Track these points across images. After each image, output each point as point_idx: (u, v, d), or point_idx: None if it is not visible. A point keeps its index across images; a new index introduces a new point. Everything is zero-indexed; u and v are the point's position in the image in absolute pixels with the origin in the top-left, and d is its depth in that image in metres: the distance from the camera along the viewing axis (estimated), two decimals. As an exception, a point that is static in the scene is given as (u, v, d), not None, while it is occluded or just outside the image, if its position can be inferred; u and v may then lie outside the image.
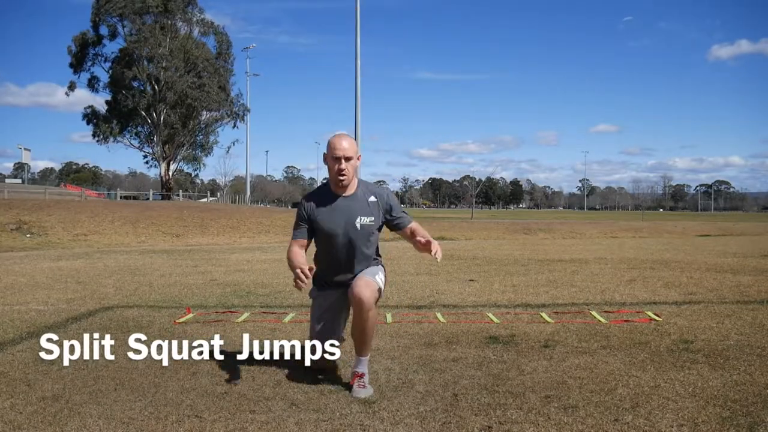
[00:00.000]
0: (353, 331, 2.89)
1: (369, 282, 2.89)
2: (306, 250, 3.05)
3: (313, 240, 3.07)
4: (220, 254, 11.35)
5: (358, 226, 2.94)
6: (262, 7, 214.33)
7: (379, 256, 3.13)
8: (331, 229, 2.96)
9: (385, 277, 3.09)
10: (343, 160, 2.89)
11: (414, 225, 3.01)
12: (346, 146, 2.91)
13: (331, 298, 3.04)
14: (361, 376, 2.80)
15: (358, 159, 2.97)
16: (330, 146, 2.93)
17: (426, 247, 2.82)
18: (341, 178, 2.92)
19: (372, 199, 2.99)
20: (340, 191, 2.98)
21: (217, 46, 42.82)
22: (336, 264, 3.02)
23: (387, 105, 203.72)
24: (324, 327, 3.01)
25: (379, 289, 2.96)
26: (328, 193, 3.01)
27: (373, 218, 2.97)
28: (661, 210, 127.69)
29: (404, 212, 3.06)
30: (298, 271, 2.77)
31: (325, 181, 3.09)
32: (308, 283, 2.79)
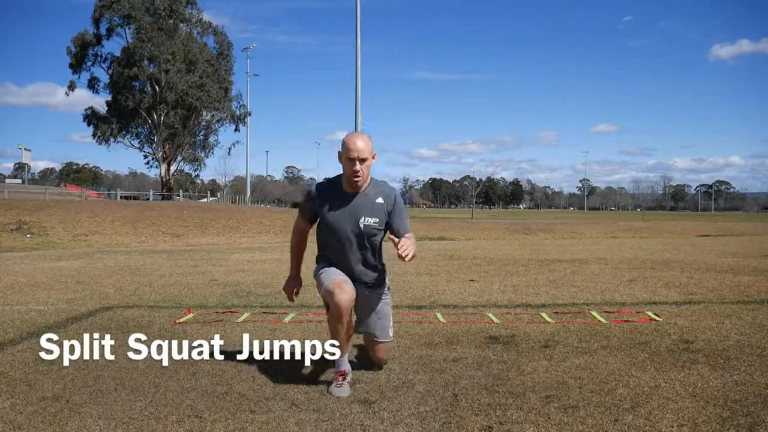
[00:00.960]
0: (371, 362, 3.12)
1: (387, 348, 3.11)
2: (308, 233, 3.16)
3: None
4: (221, 254, 11.35)
5: (362, 225, 2.93)
6: (262, 6, 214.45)
7: (383, 264, 3.10)
8: (334, 225, 2.95)
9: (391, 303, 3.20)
10: (357, 162, 2.86)
11: (407, 236, 2.91)
12: (361, 147, 2.86)
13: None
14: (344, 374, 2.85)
15: (373, 158, 2.94)
16: (345, 146, 2.89)
17: (397, 245, 2.78)
18: (356, 179, 2.90)
19: (379, 200, 2.96)
20: (350, 190, 2.96)
21: (218, 47, 42.86)
22: (336, 257, 3.02)
23: (387, 105, 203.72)
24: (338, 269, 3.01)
25: (391, 339, 3.16)
26: (339, 188, 2.98)
27: (377, 220, 2.94)
28: (669, 209, 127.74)
29: (406, 223, 3.00)
30: (287, 293, 3.25)
31: (336, 177, 3.05)
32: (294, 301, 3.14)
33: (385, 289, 3.11)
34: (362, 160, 2.87)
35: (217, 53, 42.57)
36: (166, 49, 38.43)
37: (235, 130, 44.93)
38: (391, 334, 3.11)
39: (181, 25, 40.35)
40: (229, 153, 57.75)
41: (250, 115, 45.59)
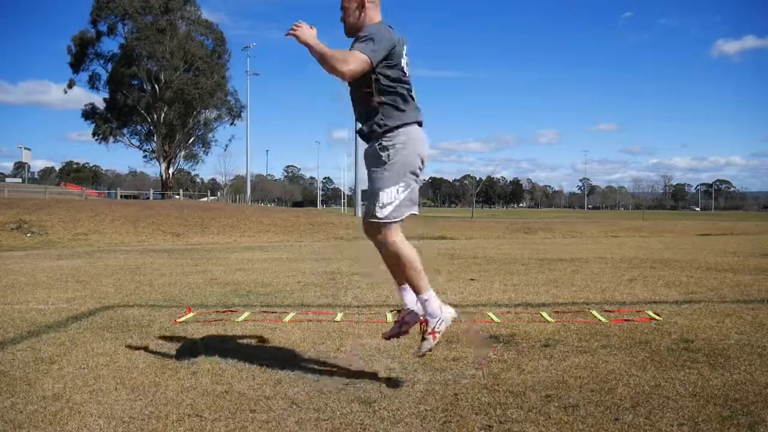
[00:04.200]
0: None
1: (366, 218, 2.78)
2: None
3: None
4: (221, 253, 11.35)
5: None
6: (256, 1, 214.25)
7: (390, 131, 2.75)
8: None
9: (404, 177, 2.75)
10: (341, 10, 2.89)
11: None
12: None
13: None
14: (425, 323, 2.77)
15: (357, 6, 2.84)
16: None
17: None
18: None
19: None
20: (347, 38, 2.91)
21: (213, 44, 43.00)
22: None
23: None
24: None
25: (382, 223, 2.73)
26: None
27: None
28: (669, 208, 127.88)
29: (361, 42, 2.70)
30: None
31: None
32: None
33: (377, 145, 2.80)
34: (343, 9, 2.88)
35: (212, 50, 42.68)
36: (162, 47, 38.50)
37: (232, 123, 45.07)
38: (377, 208, 2.74)
39: (177, 22, 40.41)
40: (226, 148, 57.88)
41: (245, 108, 45.72)
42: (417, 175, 2.83)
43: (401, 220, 2.78)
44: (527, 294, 5.54)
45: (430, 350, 2.81)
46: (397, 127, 2.76)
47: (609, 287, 5.92)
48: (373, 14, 2.86)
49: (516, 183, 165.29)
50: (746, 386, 2.73)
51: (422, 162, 2.83)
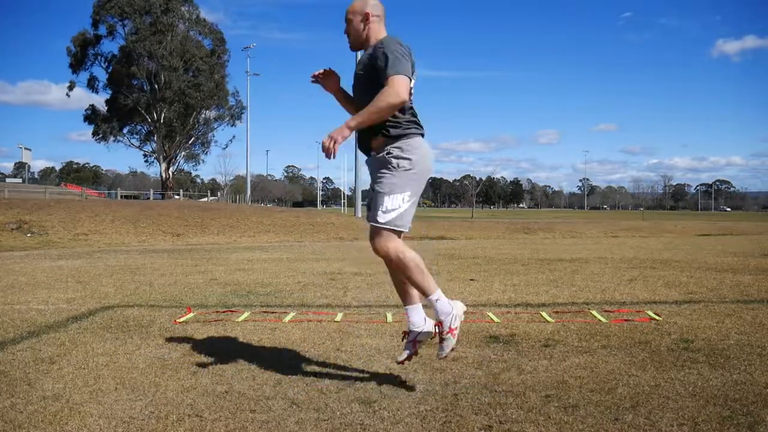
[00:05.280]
0: None
1: (373, 235, 2.74)
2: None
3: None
4: (221, 253, 11.35)
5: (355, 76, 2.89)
6: (256, 1, 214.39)
7: (399, 139, 2.72)
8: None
9: (410, 182, 2.71)
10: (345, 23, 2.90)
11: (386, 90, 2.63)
12: (348, 8, 2.89)
13: None
14: (440, 324, 2.75)
15: (362, 20, 2.85)
16: None
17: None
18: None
19: (370, 51, 2.82)
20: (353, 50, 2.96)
21: (212, 44, 43.05)
22: None
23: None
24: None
25: (382, 228, 2.69)
26: None
27: (362, 69, 2.83)
28: (669, 209, 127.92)
29: (394, 66, 2.64)
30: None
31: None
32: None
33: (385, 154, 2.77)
34: (347, 21, 2.89)
35: (211, 50, 42.73)
36: (161, 47, 38.56)
37: (232, 125, 45.10)
38: (380, 215, 2.69)
39: (179, 22, 40.48)
40: (226, 148, 57.94)
41: (246, 109, 45.75)
42: (418, 189, 2.79)
43: (401, 231, 2.74)
44: (527, 294, 5.55)
45: (453, 349, 2.78)
46: (407, 136, 2.75)
47: (609, 287, 5.92)
48: (378, 27, 2.86)
49: (516, 183, 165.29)
50: (746, 386, 2.73)
51: (428, 175, 2.83)
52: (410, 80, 2.70)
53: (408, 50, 2.75)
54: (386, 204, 2.70)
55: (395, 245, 2.71)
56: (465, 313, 2.86)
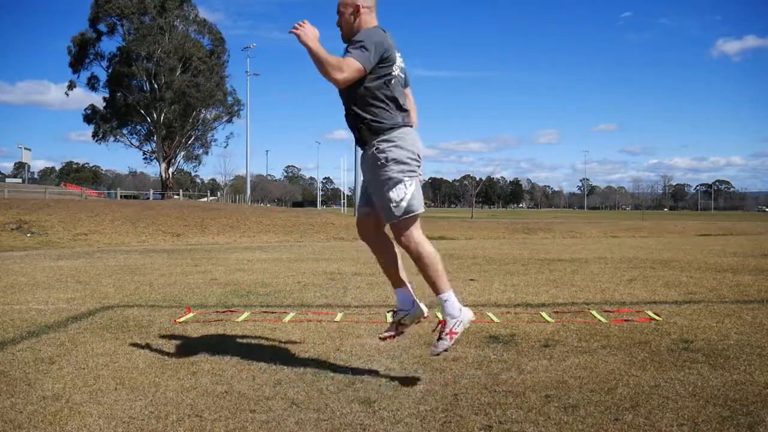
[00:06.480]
0: None
1: (391, 227, 2.83)
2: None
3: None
4: (221, 253, 11.35)
5: None
6: (256, 1, 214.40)
7: (382, 133, 2.80)
8: None
9: (408, 176, 2.79)
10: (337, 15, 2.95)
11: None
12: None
13: None
14: (443, 323, 2.81)
15: (352, 12, 2.89)
16: None
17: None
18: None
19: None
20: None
21: (212, 44, 43.08)
22: None
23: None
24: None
25: (401, 221, 2.78)
26: None
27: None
28: (666, 209, 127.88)
29: (354, 50, 2.72)
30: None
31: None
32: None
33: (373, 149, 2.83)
34: (339, 13, 2.93)
35: (210, 50, 42.76)
36: (160, 47, 38.60)
37: (229, 121, 45.16)
38: (390, 206, 2.78)
39: (177, 22, 40.51)
40: (226, 146, 57.93)
41: (243, 107, 45.84)
42: (415, 171, 2.86)
43: (419, 214, 2.82)
44: (527, 294, 5.55)
45: (446, 350, 2.84)
46: (390, 128, 2.81)
47: (609, 287, 5.92)
48: (369, 19, 2.90)
49: (516, 183, 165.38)
50: (746, 386, 2.73)
51: (418, 156, 2.88)
52: (365, 69, 2.73)
53: (383, 44, 2.79)
54: (393, 198, 2.79)
55: (416, 235, 2.81)
56: (471, 321, 2.89)
